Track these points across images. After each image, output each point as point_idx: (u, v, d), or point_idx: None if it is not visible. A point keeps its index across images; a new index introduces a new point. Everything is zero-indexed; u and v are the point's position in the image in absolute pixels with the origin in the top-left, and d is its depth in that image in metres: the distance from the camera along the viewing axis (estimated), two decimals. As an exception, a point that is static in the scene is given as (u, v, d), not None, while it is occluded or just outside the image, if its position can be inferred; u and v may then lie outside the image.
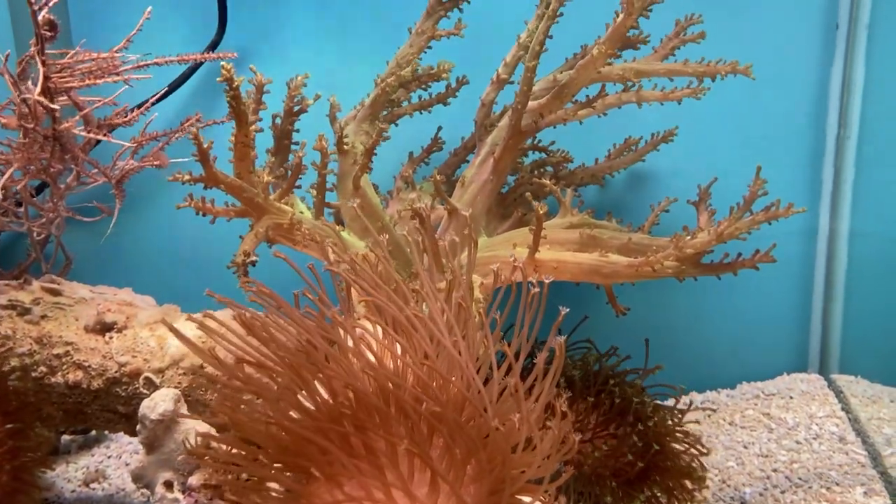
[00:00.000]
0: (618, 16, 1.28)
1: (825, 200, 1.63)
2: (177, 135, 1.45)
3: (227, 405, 0.85)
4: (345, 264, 0.96)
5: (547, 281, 0.90)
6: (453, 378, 0.82)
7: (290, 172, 1.37)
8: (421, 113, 1.50)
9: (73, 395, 1.21)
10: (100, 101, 1.31)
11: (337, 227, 1.31)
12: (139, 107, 1.42)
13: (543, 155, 1.58)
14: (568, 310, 0.92)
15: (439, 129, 1.58)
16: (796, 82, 1.61)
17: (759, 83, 1.55)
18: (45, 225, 1.44)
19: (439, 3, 1.42)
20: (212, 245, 1.28)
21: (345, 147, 1.36)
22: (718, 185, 1.41)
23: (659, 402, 1.33)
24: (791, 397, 1.59)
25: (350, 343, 0.85)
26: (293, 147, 1.39)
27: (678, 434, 1.29)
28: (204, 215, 1.22)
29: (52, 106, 1.13)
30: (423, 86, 1.48)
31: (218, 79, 1.09)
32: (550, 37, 1.33)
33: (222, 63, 1.07)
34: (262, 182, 1.22)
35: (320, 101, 1.42)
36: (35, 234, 1.46)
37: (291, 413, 0.83)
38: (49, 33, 1.09)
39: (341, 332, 0.87)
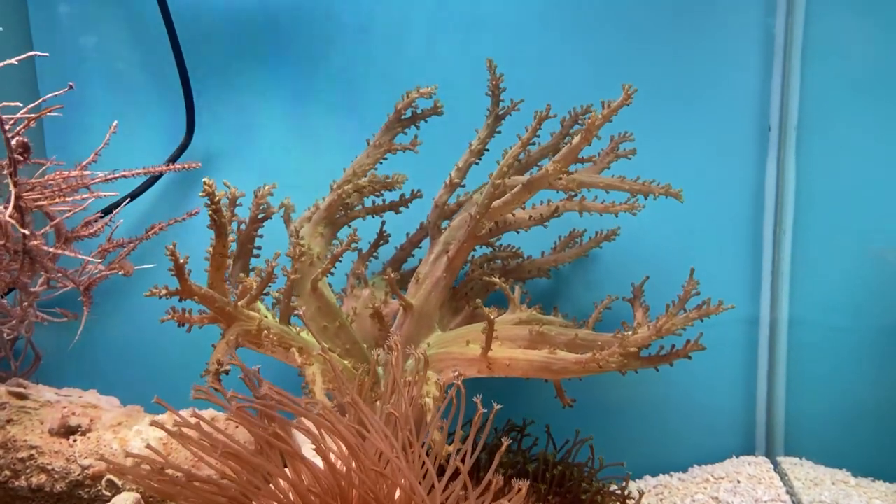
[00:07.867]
0: (572, 137, 1.35)
1: (765, 291, 1.72)
2: (142, 241, 1.51)
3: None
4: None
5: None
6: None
7: (251, 272, 1.44)
8: (373, 217, 1.57)
9: (36, 498, 1.24)
10: (70, 211, 1.37)
11: (297, 329, 1.37)
12: (105, 212, 1.49)
13: (491, 249, 1.65)
14: (484, 410, 1.02)
15: (383, 222, 1.64)
16: (735, 180, 1.71)
17: (699, 181, 1.66)
18: (16, 326, 1.49)
19: (398, 120, 1.50)
20: (177, 344, 1.33)
21: (301, 249, 1.43)
22: (664, 277, 1.50)
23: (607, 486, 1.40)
24: (739, 481, 1.64)
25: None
26: (255, 251, 1.45)
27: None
28: (182, 325, 1.28)
29: (24, 231, 1.19)
30: (377, 193, 1.55)
31: (200, 193, 1.15)
32: (519, 160, 1.43)
33: (204, 179, 1.14)
34: (235, 292, 1.28)
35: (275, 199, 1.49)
36: (5, 335, 1.51)
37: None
38: (21, 157, 1.16)
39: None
